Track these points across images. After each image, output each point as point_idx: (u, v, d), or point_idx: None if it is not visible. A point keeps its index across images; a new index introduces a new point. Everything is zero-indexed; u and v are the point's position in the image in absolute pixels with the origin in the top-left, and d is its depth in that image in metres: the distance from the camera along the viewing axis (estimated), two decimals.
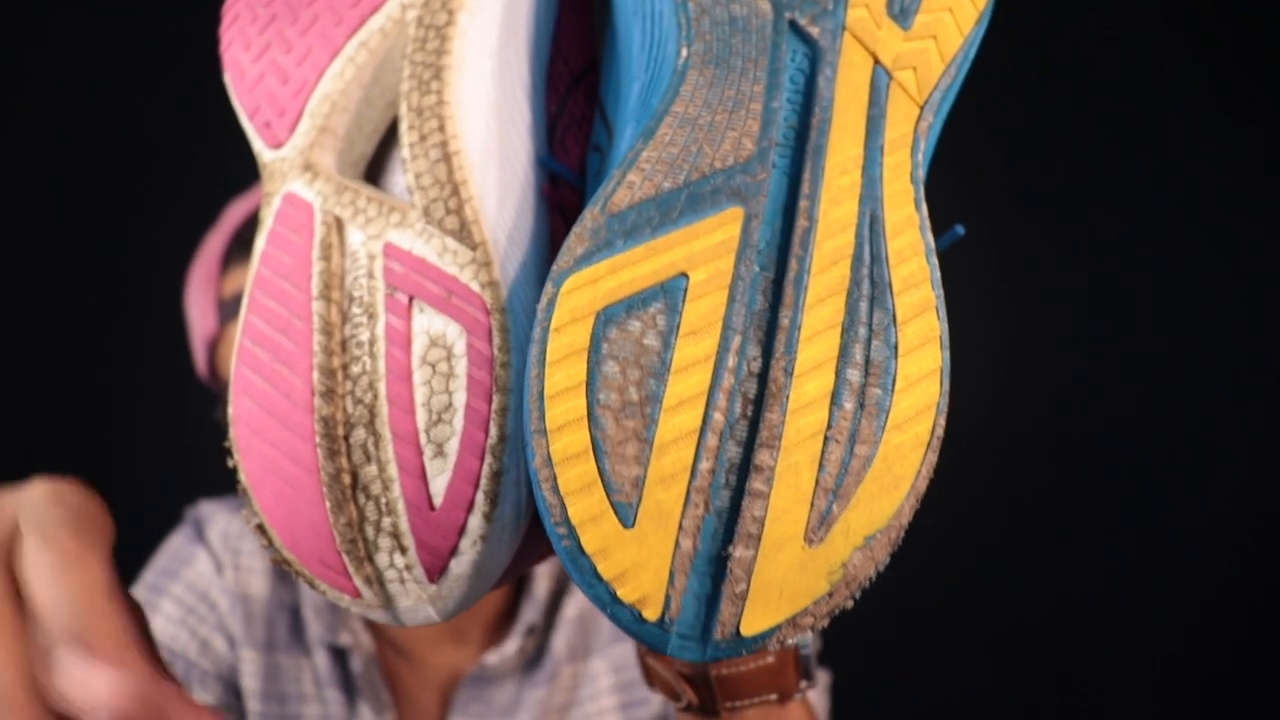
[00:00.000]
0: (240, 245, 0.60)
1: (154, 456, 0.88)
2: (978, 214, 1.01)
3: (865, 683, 0.89)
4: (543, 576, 0.62)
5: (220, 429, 0.33)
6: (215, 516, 0.63)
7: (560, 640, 0.62)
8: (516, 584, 0.63)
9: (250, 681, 0.60)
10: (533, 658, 0.63)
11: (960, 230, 0.33)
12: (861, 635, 0.95)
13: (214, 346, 0.61)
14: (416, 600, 0.30)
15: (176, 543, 0.63)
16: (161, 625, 0.59)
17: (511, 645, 0.61)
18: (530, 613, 0.61)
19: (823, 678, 0.61)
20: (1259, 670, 1.06)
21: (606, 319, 0.27)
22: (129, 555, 0.64)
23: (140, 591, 0.61)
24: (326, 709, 0.60)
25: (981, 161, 1.02)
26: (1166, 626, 1.07)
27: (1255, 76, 1.04)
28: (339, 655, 0.61)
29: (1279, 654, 1.05)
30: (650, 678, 0.42)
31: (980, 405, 1.00)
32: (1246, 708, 1.07)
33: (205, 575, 0.61)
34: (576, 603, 0.63)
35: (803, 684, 0.40)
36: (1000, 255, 1.04)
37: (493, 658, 0.61)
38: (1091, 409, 1.08)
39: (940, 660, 1.08)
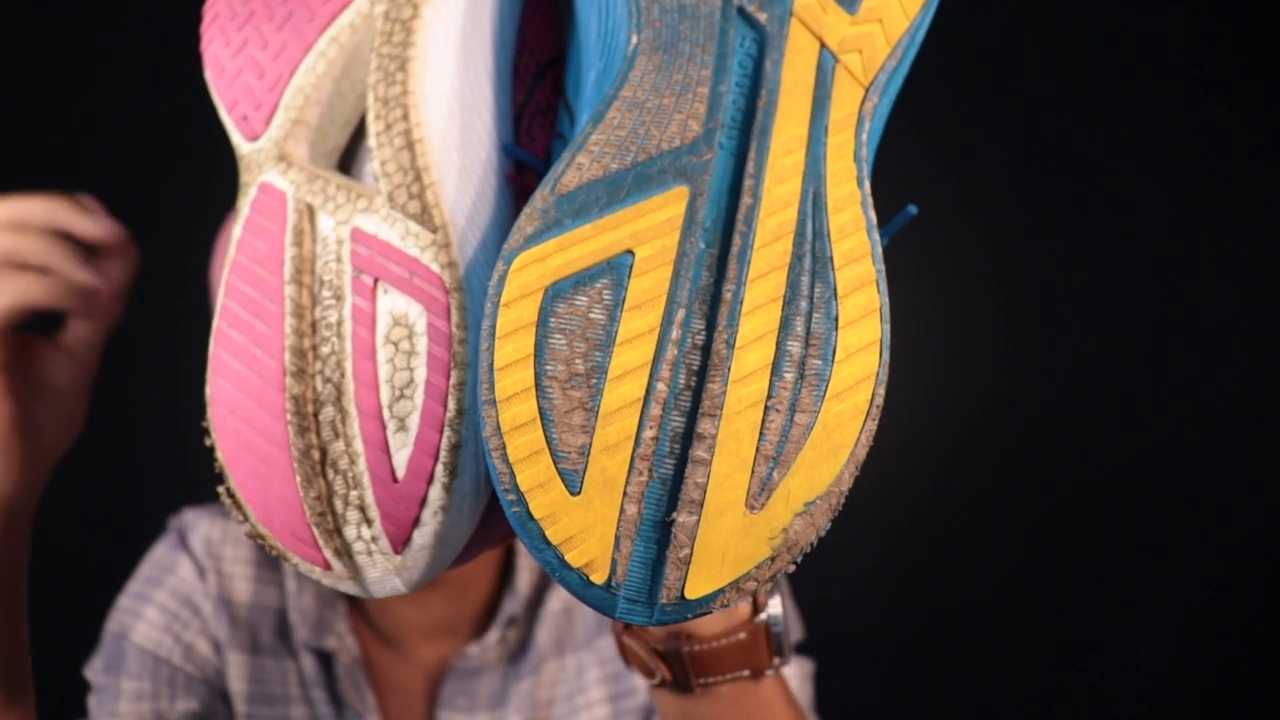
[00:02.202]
0: None
1: (150, 464, 0.90)
2: (976, 213, 1.02)
3: (862, 681, 0.90)
4: (524, 569, 0.63)
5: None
6: (198, 523, 0.64)
7: (544, 633, 0.63)
8: (499, 577, 0.64)
9: (237, 684, 0.61)
10: (516, 650, 0.63)
11: (913, 210, 0.34)
12: (858, 632, 0.96)
13: None
14: (383, 571, 0.32)
15: (160, 552, 0.64)
16: (145, 632, 0.61)
17: (492, 636, 0.62)
18: (510, 605, 0.62)
19: (806, 666, 0.62)
20: (1260, 668, 1.05)
21: (554, 294, 0.28)
22: (125, 562, 0.65)
23: (124, 600, 0.62)
24: (314, 710, 0.62)
25: (979, 160, 1.02)
26: (1166, 624, 1.06)
27: (1255, 74, 1.04)
28: (324, 659, 0.62)
29: (1278, 652, 1.04)
30: (626, 655, 0.43)
31: (978, 402, 1.00)
32: (1248, 706, 1.06)
33: (188, 581, 0.62)
34: (560, 596, 0.63)
35: (775, 660, 0.41)
36: (999, 253, 1.04)
37: (474, 648, 0.62)
38: (1090, 407, 1.07)
39: (938, 657, 1.08)
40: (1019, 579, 1.07)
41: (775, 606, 0.41)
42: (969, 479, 1.04)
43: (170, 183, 0.85)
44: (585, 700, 0.63)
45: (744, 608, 0.40)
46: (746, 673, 0.41)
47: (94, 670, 0.61)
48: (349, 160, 0.37)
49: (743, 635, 0.40)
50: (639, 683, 0.62)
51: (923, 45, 0.34)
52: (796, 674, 0.61)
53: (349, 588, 0.32)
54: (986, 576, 1.07)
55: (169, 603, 0.62)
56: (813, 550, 0.29)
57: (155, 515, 0.68)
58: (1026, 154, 1.05)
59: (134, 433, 0.94)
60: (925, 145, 0.95)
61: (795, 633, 0.64)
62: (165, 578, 0.63)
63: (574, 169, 0.29)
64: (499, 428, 0.27)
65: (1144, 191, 1.06)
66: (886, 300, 0.29)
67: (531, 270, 0.28)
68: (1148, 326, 1.06)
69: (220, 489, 0.33)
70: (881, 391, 0.29)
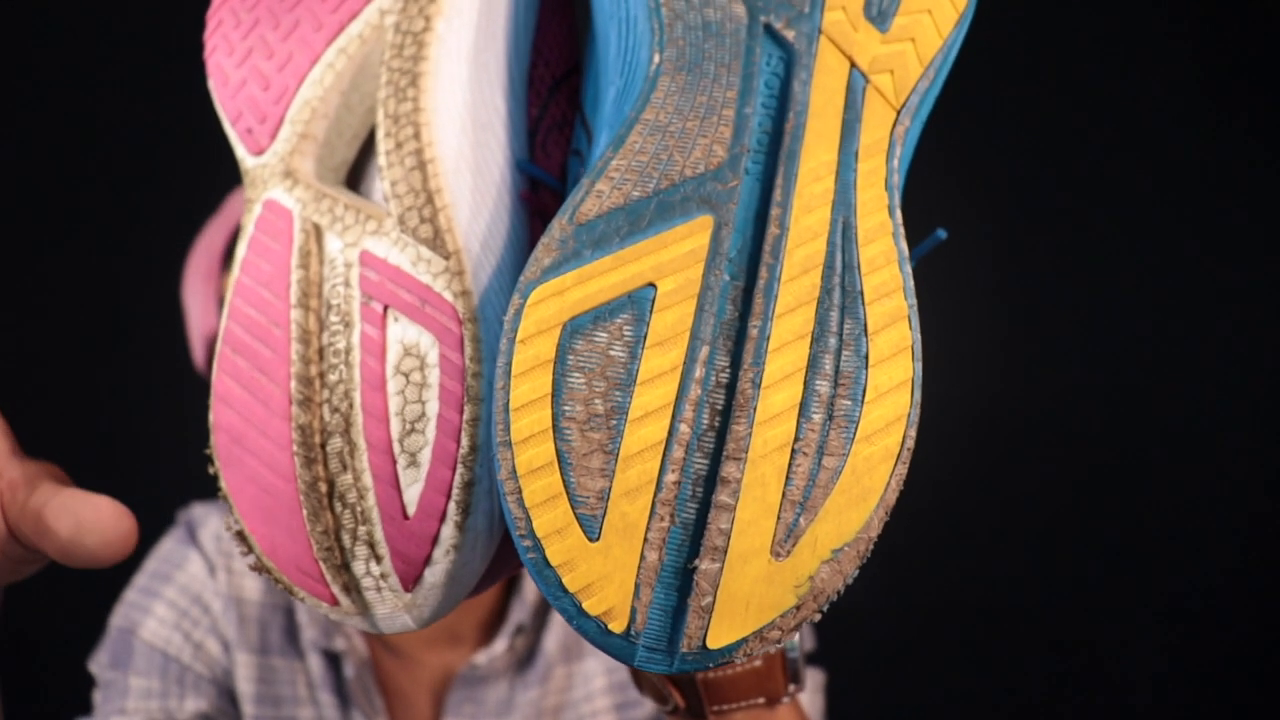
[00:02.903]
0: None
1: (152, 458, 0.89)
2: (976, 217, 1.00)
3: (864, 683, 0.89)
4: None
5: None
6: (207, 519, 0.63)
7: (552, 641, 0.62)
8: (507, 584, 0.63)
9: (245, 685, 0.60)
10: (524, 658, 0.63)
11: (942, 234, 0.33)
12: (860, 635, 0.95)
13: (214, 342, 0.61)
14: (393, 608, 0.31)
15: (168, 546, 0.63)
16: (155, 628, 0.59)
17: (500, 645, 0.61)
18: (519, 613, 0.61)
19: (818, 677, 0.61)
20: (1259, 669, 1.05)
21: (573, 330, 0.27)
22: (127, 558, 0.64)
23: (131, 595, 0.61)
24: (320, 712, 0.61)
25: (980, 164, 1.01)
26: (1166, 627, 1.06)
27: (1254, 75, 1.02)
28: (332, 660, 0.61)
29: (1278, 653, 1.04)
30: (638, 681, 0.42)
31: (979, 405, 0.99)
32: (1247, 707, 1.06)
33: (198, 578, 0.61)
34: None
35: (791, 687, 0.40)
36: (999, 256, 1.03)
37: (481, 657, 0.61)
38: (1090, 409, 1.06)
39: (939, 660, 1.08)
40: (1020, 582, 1.07)
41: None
42: (970, 482, 1.03)
43: (174, 184, 0.84)
44: (591, 709, 0.62)
45: None
46: (761, 700, 0.40)
47: (99, 665, 0.60)
48: (357, 176, 0.36)
49: (758, 662, 0.39)
50: None
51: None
52: (808, 685, 0.61)
53: (357, 623, 0.31)
54: (988, 579, 1.07)
55: (179, 599, 0.61)
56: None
57: (158, 508, 0.67)
58: (1028, 156, 1.04)
59: (135, 427, 0.93)
60: (926, 148, 0.94)
61: (806, 643, 0.64)
62: (174, 573, 0.62)
63: (593, 196, 0.28)
64: (514, 471, 0.26)
65: (1145, 194, 1.04)
66: (919, 337, 0.28)
67: (549, 304, 0.27)
68: (1149, 330, 1.05)
69: (225, 519, 0.32)
70: (913, 434, 0.27)
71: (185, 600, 0.61)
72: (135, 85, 0.95)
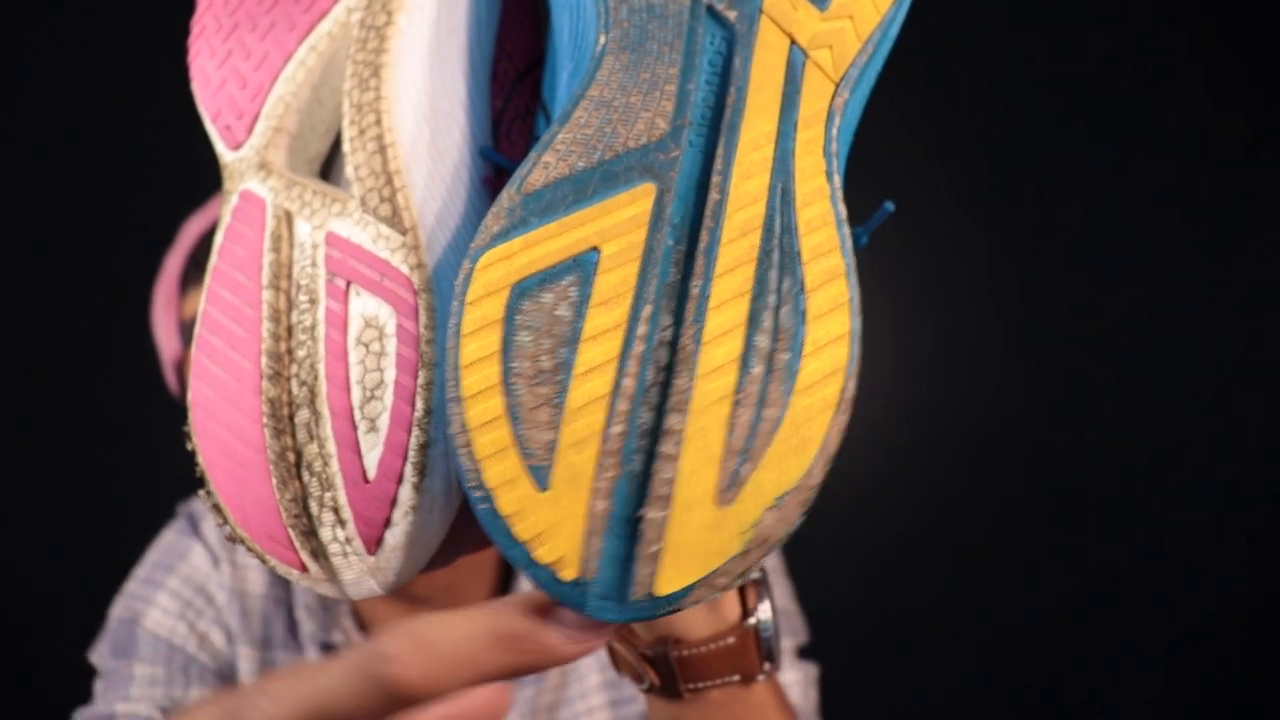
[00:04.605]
0: (196, 267, 0.62)
1: (153, 451, 0.90)
2: (971, 215, 1.01)
3: (863, 683, 0.89)
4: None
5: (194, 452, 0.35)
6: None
7: None
8: (503, 583, 0.64)
9: (247, 679, 0.61)
10: None
11: (890, 207, 0.34)
12: (860, 635, 0.95)
13: (181, 367, 0.63)
14: (359, 573, 0.32)
15: (169, 537, 0.64)
16: (158, 618, 0.60)
17: None
18: None
19: (810, 671, 0.61)
20: (1257, 674, 1.03)
21: (520, 292, 0.28)
22: (125, 552, 0.66)
23: (133, 586, 0.62)
24: None
25: (976, 162, 1.02)
26: (1164, 629, 1.05)
27: (1251, 73, 1.03)
28: (330, 654, 0.62)
29: (1277, 658, 1.02)
30: (616, 661, 0.42)
31: (977, 405, 0.99)
32: (1244, 711, 1.04)
33: (202, 569, 0.62)
34: None
35: (765, 665, 0.41)
36: (996, 256, 1.04)
37: None
38: (1088, 410, 1.06)
39: (938, 661, 1.07)
40: (1019, 582, 1.06)
41: (765, 612, 0.41)
42: (969, 481, 1.03)
43: (172, 185, 0.86)
44: (586, 706, 0.62)
45: (732, 612, 0.40)
46: (736, 678, 0.40)
47: (101, 655, 0.61)
48: (331, 167, 0.37)
49: (731, 640, 0.40)
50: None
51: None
52: (800, 679, 0.61)
53: (326, 589, 0.32)
54: (986, 580, 1.06)
55: (182, 590, 0.62)
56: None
57: (159, 501, 0.68)
58: (1026, 155, 1.05)
59: (137, 421, 0.95)
60: (925, 147, 0.96)
61: (800, 635, 0.64)
62: (177, 564, 0.62)
63: (540, 168, 0.29)
64: (465, 424, 0.27)
65: (1142, 193, 1.05)
66: (857, 293, 0.29)
67: (497, 268, 0.28)
68: (1146, 330, 1.05)
69: (201, 492, 0.33)
70: (853, 385, 0.28)
71: (189, 591, 0.62)
72: (123, 90, 0.98)
